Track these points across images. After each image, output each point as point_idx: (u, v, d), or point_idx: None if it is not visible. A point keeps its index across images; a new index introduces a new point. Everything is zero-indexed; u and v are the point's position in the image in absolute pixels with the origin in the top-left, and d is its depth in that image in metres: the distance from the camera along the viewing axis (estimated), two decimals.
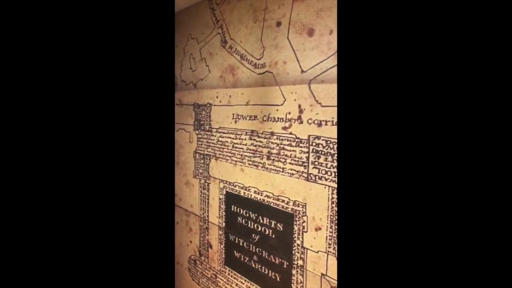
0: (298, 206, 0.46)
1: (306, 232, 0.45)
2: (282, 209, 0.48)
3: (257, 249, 0.53)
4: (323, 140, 0.42)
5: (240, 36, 0.54)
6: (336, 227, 0.41)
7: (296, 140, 0.45)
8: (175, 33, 0.71)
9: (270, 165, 0.50)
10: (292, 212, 0.47)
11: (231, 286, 0.59)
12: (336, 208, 0.41)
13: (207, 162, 0.63)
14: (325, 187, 0.42)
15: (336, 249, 0.41)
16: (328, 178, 0.41)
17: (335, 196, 0.41)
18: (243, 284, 0.57)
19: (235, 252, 0.58)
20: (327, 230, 0.42)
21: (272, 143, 0.49)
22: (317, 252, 0.44)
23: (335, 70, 0.40)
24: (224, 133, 0.58)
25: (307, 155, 0.44)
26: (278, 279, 0.50)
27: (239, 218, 0.57)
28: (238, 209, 0.57)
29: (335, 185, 0.41)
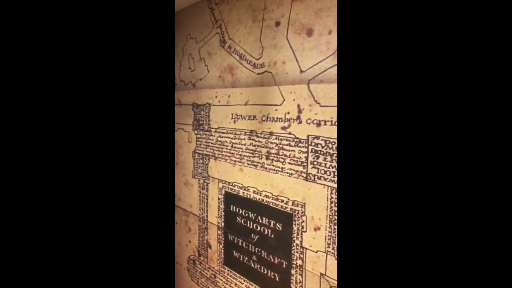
0: (297, 206, 0.46)
1: (305, 232, 0.45)
2: (281, 209, 0.48)
3: (256, 249, 0.53)
4: (322, 140, 0.42)
5: (239, 36, 0.54)
6: (335, 227, 0.41)
7: (295, 140, 0.45)
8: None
9: (269, 165, 0.50)
10: (291, 212, 0.47)
11: (230, 286, 0.59)
12: (335, 208, 0.41)
13: (206, 162, 0.63)
14: (324, 187, 0.42)
15: (335, 248, 0.41)
16: (327, 178, 0.41)
17: (334, 196, 0.41)
18: (242, 284, 0.57)
19: (234, 252, 0.58)
20: (326, 230, 0.42)
21: (271, 143, 0.49)
22: (316, 252, 0.44)
23: (334, 70, 0.40)
24: (223, 133, 0.58)
25: (306, 155, 0.44)
26: (277, 279, 0.50)
27: (238, 218, 0.57)
28: (237, 209, 0.57)
29: (334, 185, 0.41)
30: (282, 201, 0.48)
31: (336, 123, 0.40)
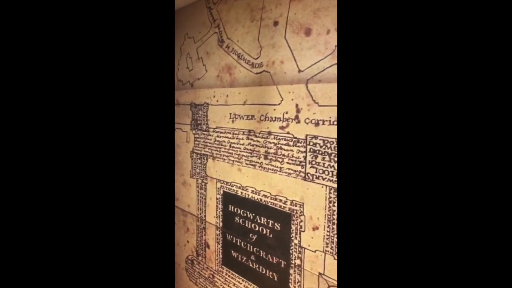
0: (296, 206, 0.46)
1: (303, 231, 0.45)
2: (280, 208, 0.48)
3: (255, 248, 0.53)
4: (320, 139, 0.42)
5: (237, 35, 0.54)
6: (334, 226, 0.41)
7: (294, 139, 0.45)
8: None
9: (267, 164, 0.50)
10: (289, 211, 0.47)
11: (228, 286, 0.59)
12: (333, 208, 0.41)
13: (204, 162, 0.63)
14: (322, 187, 0.42)
15: (334, 248, 0.41)
16: (326, 178, 0.42)
17: (332, 195, 0.41)
18: (241, 284, 0.57)
19: (232, 252, 0.58)
20: (324, 230, 0.42)
21: (270, 142, 0.49)
22: (315, 252, 0.44)
23: (332, 69, 0.40)
24: (221, 132, 0.58)
25: (304, 154, 0.44)
26: (275, 278, 0.50)
27: (236, 218, 0.56)
28: (235, 209, 0.57)
29: (333, 185, 0.41)
30: (281, 200, 0.48)
31: (334, 123, 0.40)
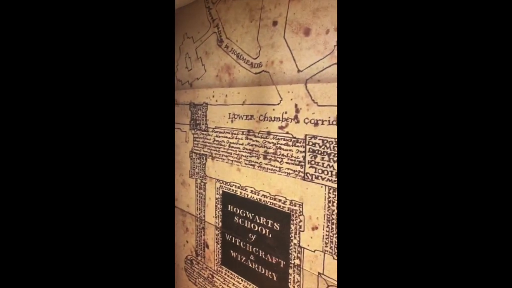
0: (295, 206, 0.46)
1: (303, 231, 0.45)
2: (279, 208, 0.48)
3: (254, 248, 0.53)
4: (319, 139, 0.42)
5: (236, 35, 0.54)
6: (333, 226, 0.41)
7: (293, 139, 0.45)
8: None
9: (266, 164, 0.50)
10: (288, 211, 0.47)
11: (228, 286, 0.59)
12: (332, 207, 0.41)
13: (203, 162, 0.63)
14: (321, 186, 0.42)
15: (333, 248, 0.41)
16: (325, 178, 0.42)
17: (331, 195, 0.41)
18: (240, 284, 0.57)
19: (231, 252, 0.58)
20: (323, 229, 0.42)
21: (269, 142, 0.49)
22: (314, 251, 0.44)
23: (331, 69, 0.40)
24: (220, 132, 0.58)
25: (303, 154, 0.44)
26: (275, 278, 0.50)
27: (235, 218, 0.56)
28: (234, 208, 0.57)
29: (332, 184, 0.41)
30: (280, 200, 0.48)
31: (334, 123, 0.40)
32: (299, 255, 0.46)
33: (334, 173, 0.41)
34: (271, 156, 0.49)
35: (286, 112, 0.46)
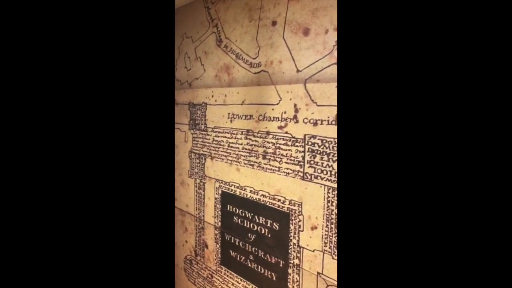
0: (294, 205, 0.46)
1: (302, 231, 0.45)
2: (278, 208, 0.48)
3: (253, 248, 0.53)
4: (318, 139, 0.42)
5: (236, 35, 0.54)
6: (332, 226, 0.41)
7: (292, 139, 0.45)
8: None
9: (266, 164, 0.50)
10: (288, 211, 0.47)
11: (227, 285, 0.59)
12: (332, 207, 0.41)
13: (203, 162, 0.63)
14: (321, 186, 0.42)
15: (332, 248, 0.42)
16: (324, 177, 0.42)
17: (331, 195, 0.41)
18: (239, 283, 0.57)
19: (231, 251, 0.58)
20: (323, 229, 0.42)
21: (268, 142, 0.49)
22: (313, 251, 0.44)
23: (330, 69, 0.40)
24: (219, 132, 0.58)
25: (302, 154, 0.44)
26: (274, 278, 0.50)
27: (235, 218, 0.56)
28: (234, 208, 0.57)
29: (331, 184, 0.41)
30: (279, 200, 0.48)
31: (333, 122, 0.40)
32: (298, 255, 0.46)
33: (333, 172, 0.41)
34: (270, 156, 0.49)
35: (285, 112, 0.46)
